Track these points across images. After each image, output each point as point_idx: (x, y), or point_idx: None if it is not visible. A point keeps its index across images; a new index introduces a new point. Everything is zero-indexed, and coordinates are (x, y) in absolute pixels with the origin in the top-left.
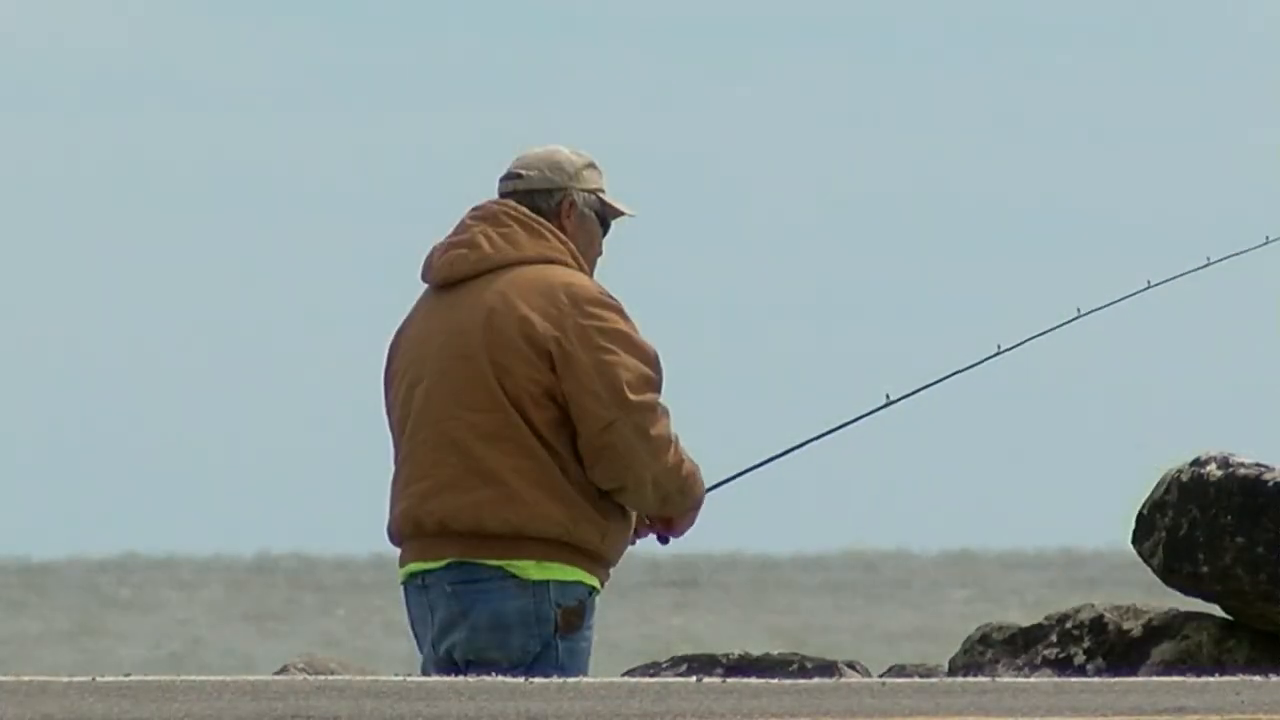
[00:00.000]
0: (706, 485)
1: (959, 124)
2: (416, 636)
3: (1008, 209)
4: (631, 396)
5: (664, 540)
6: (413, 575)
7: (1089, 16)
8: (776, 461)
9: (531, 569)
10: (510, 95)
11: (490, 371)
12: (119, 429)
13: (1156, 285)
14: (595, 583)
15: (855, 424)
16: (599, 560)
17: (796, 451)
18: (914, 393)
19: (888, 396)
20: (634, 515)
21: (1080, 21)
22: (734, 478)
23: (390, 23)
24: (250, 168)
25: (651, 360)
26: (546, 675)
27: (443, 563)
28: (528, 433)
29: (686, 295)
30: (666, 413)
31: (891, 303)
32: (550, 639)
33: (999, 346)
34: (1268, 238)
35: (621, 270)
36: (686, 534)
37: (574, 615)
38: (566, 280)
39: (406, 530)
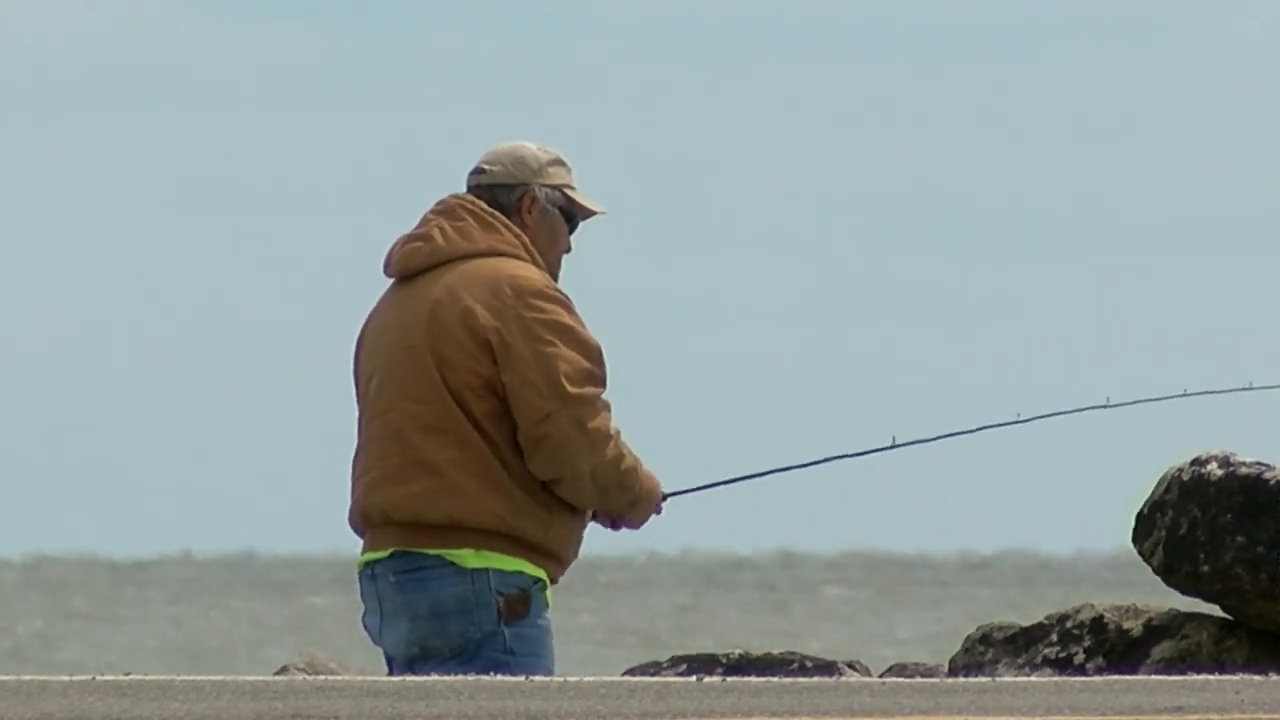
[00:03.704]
0: (674, 489)
1: (959, 124)
2: (367, 628)
3: (1007, 209)
4: (570, 389)
5: (614, 527)
6: (364, 566)
7: (1088, 17)
8: (761, 478)
9: (469, 557)
10: (505, 94)
11: (432, 363)
12: (115, 429)
13: (1194, 394)
14: (540, 574)
15: (855, 458)
16: (543, 553)
17: (783, 472)
18: (919, 441)
19: (894, 439)
20: (585, 510)
21: (1079, 22)
22: (708, 486)
23: (382, 21)
24: (239, 166)
25: (593, 354)
26: (496, 661)
27: (387, 552)
28: (466, 424)
29: (680, 294)
30: (607, 406)
31: (891, 303)
32: (495, 626)
33: (1019, 414)
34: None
35: (616, 269)
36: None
37: (518, 603)
38: (511, 272)
39: (359, 521)
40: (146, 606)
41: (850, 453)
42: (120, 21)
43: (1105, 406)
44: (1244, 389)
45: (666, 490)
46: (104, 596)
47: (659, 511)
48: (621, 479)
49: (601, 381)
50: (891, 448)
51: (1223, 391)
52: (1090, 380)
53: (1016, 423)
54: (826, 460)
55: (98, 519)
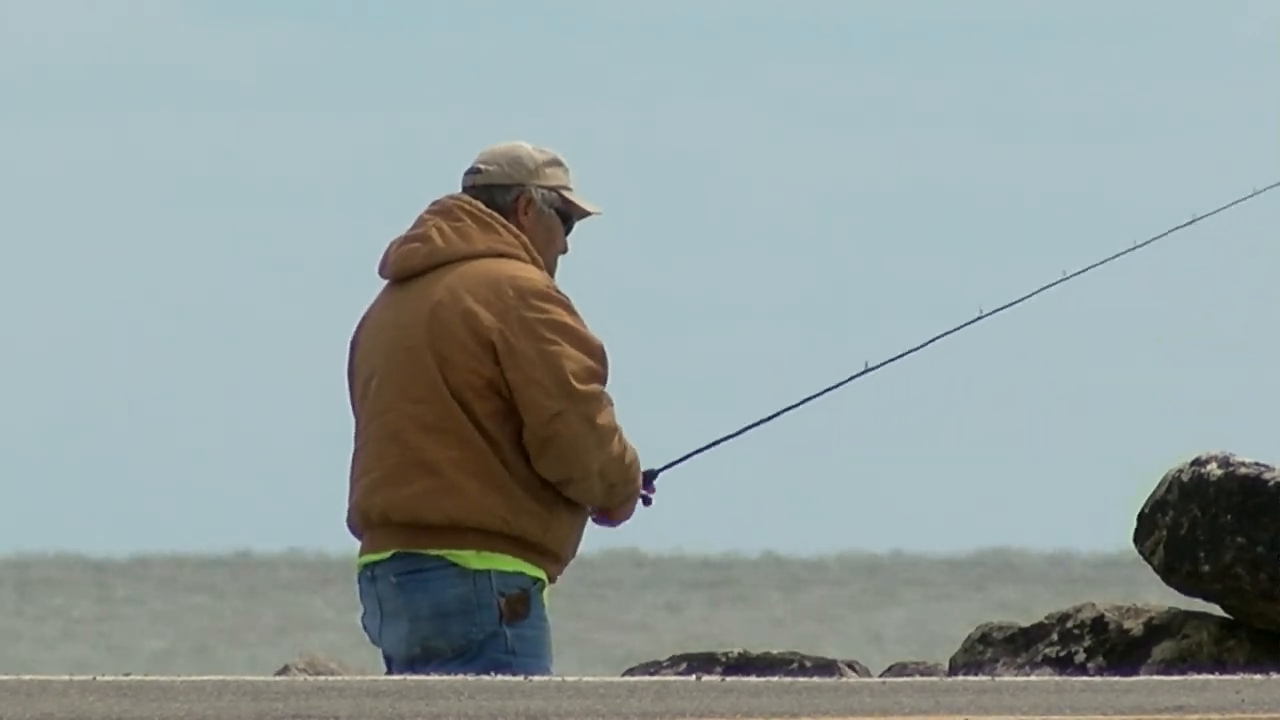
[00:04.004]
0: (663, 473)
1: (959, 124)
2: (367, 629)
3: (1007, 209)
4: (578, 386)
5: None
6: (364, 567)
7: (1088, 17)
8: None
9: (471, 558)
10: (505, 94)
11: (433, 363)
12: (112, 429)
13: (1145, 243)
14: (540, 574)
15: (832, 392)
16: (543, 553)
17: (771, 421)
18: (893, 359)
19: (866, 364)
20: (585, 509)
21: (1079, 22)
22: (693, 454)
23: (382, 21)
24: (239, 166)
25: (596, 352)
26: (497, 661)
27: (388, 554)
28: (467, 424)
29: (680, 294)
30: (611, 402)
31: (891, 302)
32: (496, 627)
33: (980, 310)
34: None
35: (616, 269)
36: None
37: (518, 603)
38: (512, 273)
39: (358, 523)
40: (141, 606)
41: (824, 389)
42: (120, 21)
43: (1062, 280)
44: (1188, 223)
45: (653, 469)
46: (97, 596)
47: (647, 502)
48: (625, 473)
49: (604, 379)
50: (864, 373)
51: (1174, 230)
52: (1090, 374)
53: (977, 320)
54: (804, 402)
55: (93, 518)
